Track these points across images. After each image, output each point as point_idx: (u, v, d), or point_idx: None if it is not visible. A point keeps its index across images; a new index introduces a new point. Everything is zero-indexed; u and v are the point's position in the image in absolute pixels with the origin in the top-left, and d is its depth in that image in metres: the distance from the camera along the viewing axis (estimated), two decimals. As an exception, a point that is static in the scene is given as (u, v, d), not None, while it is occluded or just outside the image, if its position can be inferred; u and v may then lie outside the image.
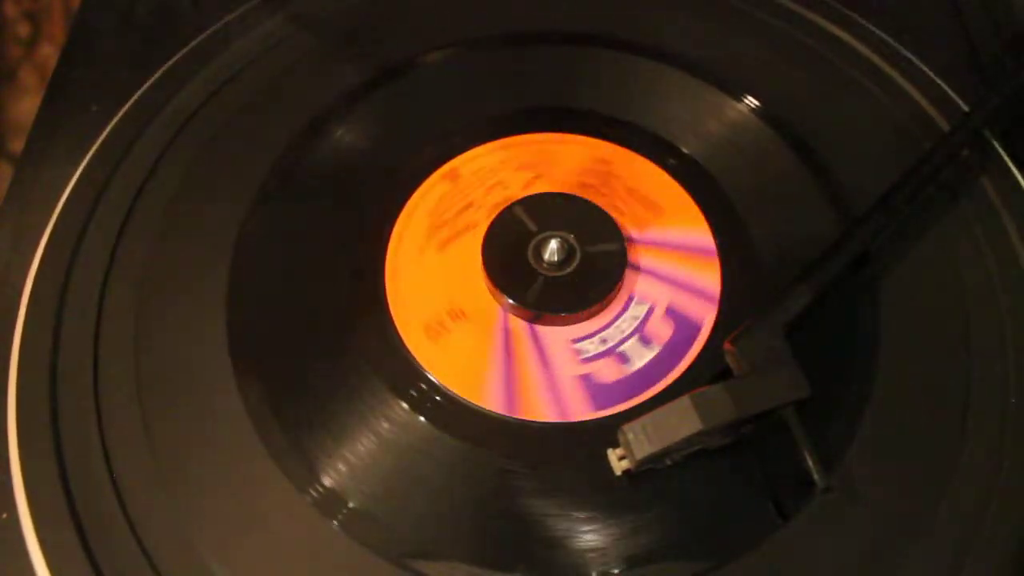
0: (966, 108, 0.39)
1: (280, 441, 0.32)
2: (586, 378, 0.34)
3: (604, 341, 0.34)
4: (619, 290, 0.35)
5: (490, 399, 0.33)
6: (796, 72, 0.41)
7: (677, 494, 0.31)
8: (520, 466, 0.32)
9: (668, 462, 0.31)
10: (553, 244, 0.35)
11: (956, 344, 0.34)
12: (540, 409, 0.33)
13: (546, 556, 0.30)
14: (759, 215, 0.37)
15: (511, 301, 0.35)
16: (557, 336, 0.35)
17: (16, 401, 0.33)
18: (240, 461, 0.32)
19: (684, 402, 0.30)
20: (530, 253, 0.35)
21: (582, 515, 0.31)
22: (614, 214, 0.36)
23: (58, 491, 0.31)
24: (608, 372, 0.34)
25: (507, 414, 0.33)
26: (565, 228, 0.36)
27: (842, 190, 0.38)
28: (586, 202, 0.37)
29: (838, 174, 0.38)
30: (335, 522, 0.31)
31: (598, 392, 0.33)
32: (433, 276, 0.36)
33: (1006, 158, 0.38)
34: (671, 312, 0.35)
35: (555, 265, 0.35)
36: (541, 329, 0.35)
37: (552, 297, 0.35)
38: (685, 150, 0.39)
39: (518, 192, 0.37)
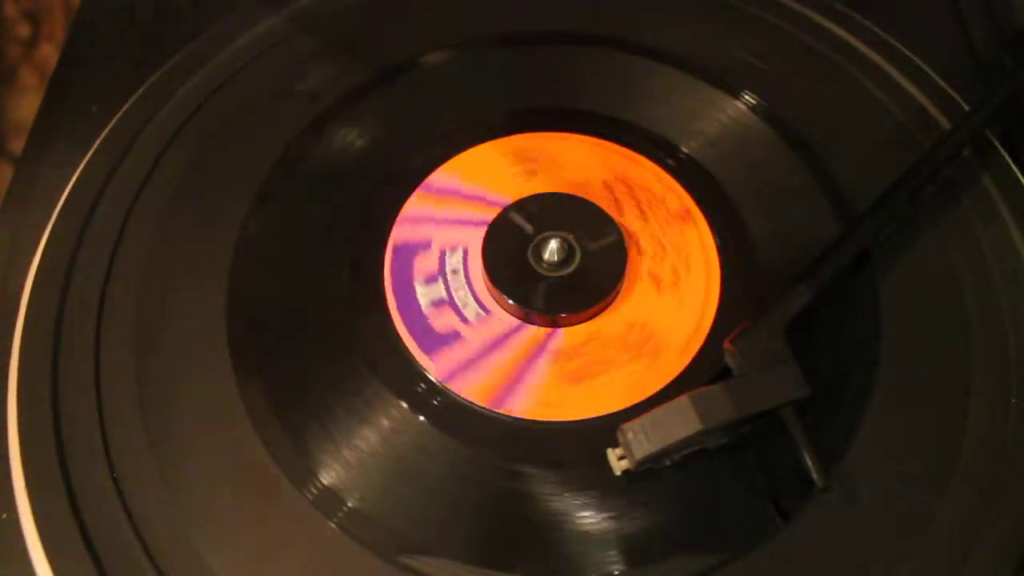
0: (966, 108, 0.39)
1: (280, 441, 0.32)
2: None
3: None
4: (620, 289, 0.35)
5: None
6: (796, 72, 0.41)
7: (677, 494, 0.31)
8: (519, 466, 0.32)
9: (667, 462, 0.31)
10: (553, 244, 0.35)
11: (956, 344, 0.34)
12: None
13: (545, 556, 0.30)
14: (759, 215, 0.37)
15: (511, 302, 0.35)
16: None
17: (17, 401, 0.33)
18: (240, 461, 0.32)
19: (684, 402, 0.30)
20: (530, 253, 0.35)
21: (581, 515, 0.31)
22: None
23: (59, 491, 0.31)
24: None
25: (507, 414, 0.33)
26: (565, 228, 0.36)
27: (842, 190, 0.38)
28: (586, 202, 0.37)
29: (838, 174, 0.38)
30: (334, 522, 0.31)
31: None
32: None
33: (1006, 157, 0.38)
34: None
35: (555, 265, 0.35)
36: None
37: (552, 297, 0.35)
38: (685, 150, 0.39)
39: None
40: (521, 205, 0.37)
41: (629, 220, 0.37)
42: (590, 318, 0.35)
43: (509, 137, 0.39)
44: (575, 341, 0.35)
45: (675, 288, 0.35)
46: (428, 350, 0.34)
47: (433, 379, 0.34)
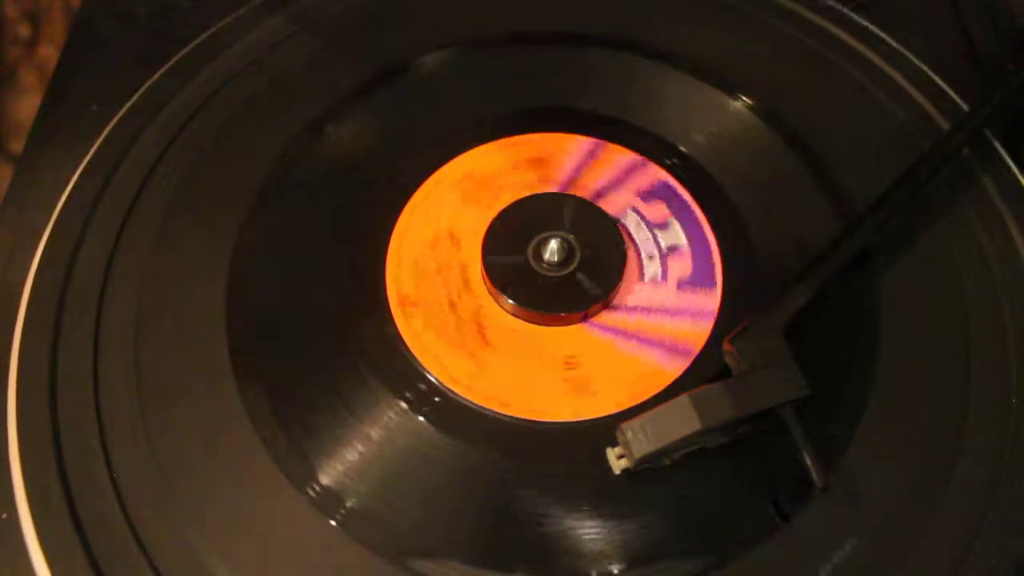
0: (966, 108, 0.39)
1: (280, 441, 0.32)
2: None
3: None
4: (619, 289, 0.35)
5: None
6: (796, 72, 0.41)
7: (676, 494, 0.31)
8: (519, 466, 0.32)
9: (667, 461, 0.31)
10: (553, 244, 0.35)
11: (956, 343, 0.34)
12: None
13: (545, 556, 0.30)
14: (759, 215, 0.37)
15: (511, 301, 0.35)
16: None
17: (16, 401, 0.33)
18: (240, 461, 0.32)
19: (683, 401, 0.30)
20: (530, 253, 0.35)
21: (581, 515, 0.31)
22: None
23: (58, 490, 0.31)
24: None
25: (507, 414, 0.33)
26: (565, 228, 0.36)
27: (842, 190, 0.38)
28: (586, 202, 0.37)
29: (838, 174, 0.38)
30: (334, 522, 0.31)
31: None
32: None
33: (1006, 158, 0.38)
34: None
35: (555, 265, 0.35)
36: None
37: (552, 297, 0.35)
38: (685, 150, 0.39)
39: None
40: (524, 202, 0.37)
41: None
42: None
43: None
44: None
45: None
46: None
47: (433, 379, 0.34)
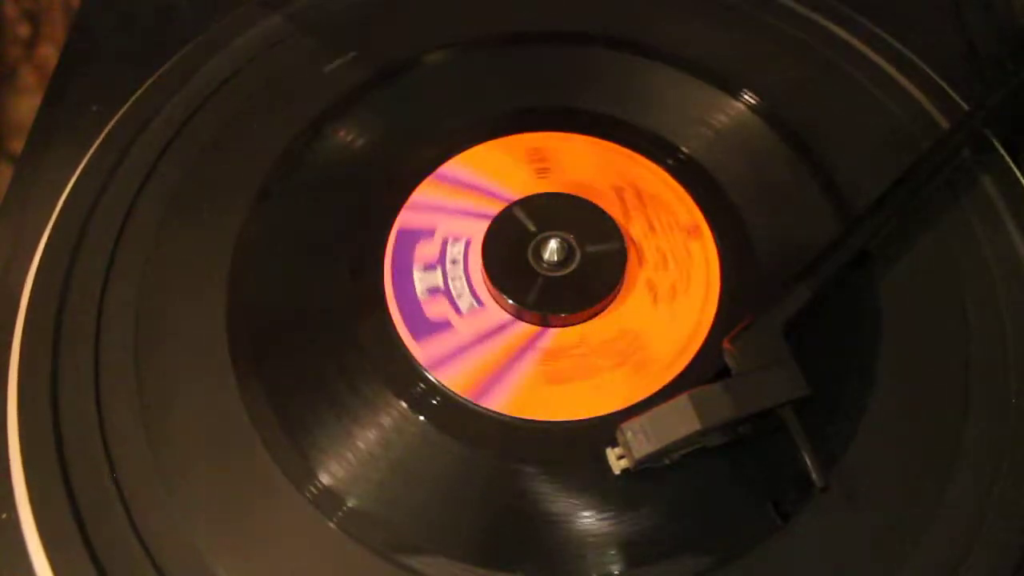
0: (966, 108, 0.39)
1: (280, 441, 0.32)
2: None
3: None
4: (620, 289, 0.35)
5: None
6: (796, 72, 0.41)
7: (676, 494, 0.31)
8: (519, 466, 0.32)
9: (667, 461, 0.31)
10: (553, 244, 0.35)
11: (956, 343, 0.34)
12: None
13: (545, 556, 0.30)
14: (759, 215, 0.37)
15: (511, 302, 0.35)
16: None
17: (17, 401, 0.33)
18: (240, 461, 0.32)
19: (683, 401, 0.30)
20: (530, 253, 0.35)
21: (581, 515, 0.31)
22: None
23: (59, 490, 0.31)
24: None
25: (507, 414, 0.33)
26: (565, 228, 0.36)
27: (842, 190, 0.38)
28: (586, 202, 0.37)
29: (838, 174, 0.38)
30: (334, 521, 0.31)
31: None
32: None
33: (1006, 158, 0.38)
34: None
35: (555, 265, 0.35)
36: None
37: (552, 297, 0.35)
38: (685, 150, 0.39)
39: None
40: (526, 202, 0.37)
41: (635, 228, 0.37)
42: (582, 321, 0.35)
43: (509, 137, 0.39)
44: (564, 342, 0.35)
45: (671, 303, 0.35)
46: (417, 336, 0.34)
47: (419, 365, 0.34)
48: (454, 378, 0.34)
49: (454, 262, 0.36)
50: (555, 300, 0.35)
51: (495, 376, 0.34)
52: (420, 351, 0.34)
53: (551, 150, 0.39)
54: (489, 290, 0.35)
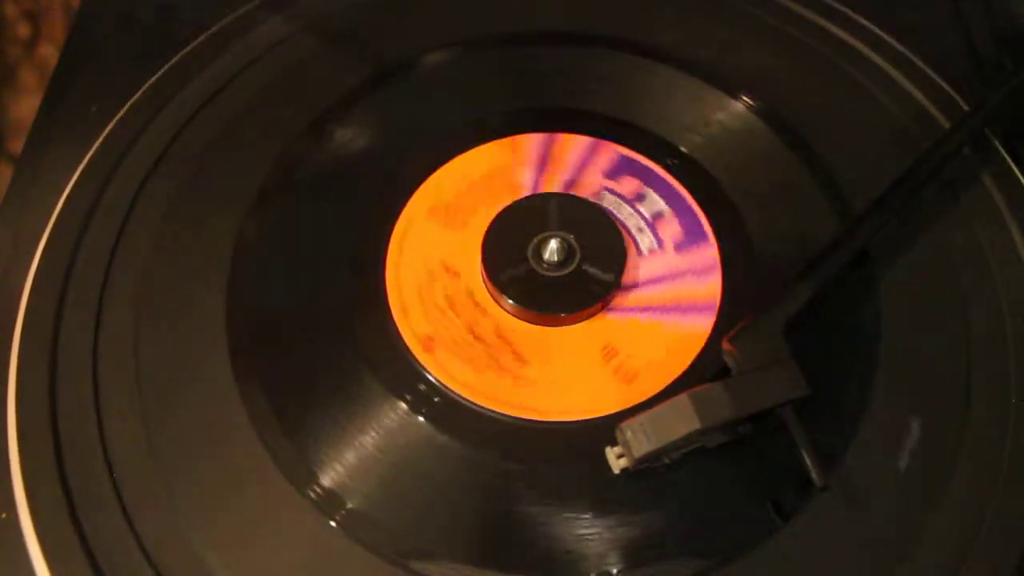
0: (966, 108, 0.39)
1: (280, 441, 0.32)
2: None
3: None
4: (619, 290, 0.35)
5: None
6: (796, 72, 0.41)
7: (676, 494, 0.31)
8: (519, 466, 0.32)
9: (666, 460, 0.31)
10: (553, 244, 0.35)
11: (956, 344, 0.34)
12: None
13: (545, 556, 0.30)
14: (759, 215, 0.37)
15: (511, 301, 0.35)
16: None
17: (16, 401, 0.33)
18: (240, 461, 0.32)
19: (682, 400, 0.29)
20: (530, 253, 0.35)
21: (581, 515, 0.31)
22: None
23: (58, 490, 0.31)
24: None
25: (507, 414, 0.33)
26: (565, 228, 0.36)
27: (842, 190, 0.38)
28: (586, 202, 0.37)
29: (838, 174, 0.38)
30: (334, 522, 0.31)
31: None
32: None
33: (1006, 157, 0.38)
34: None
35: (555, 265, 0.35)
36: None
37: (552, 297, 0.35)
38: (685, 150, 0.39)
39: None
40: (528, 201, 0.37)
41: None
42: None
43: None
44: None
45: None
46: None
47: (420, 365, 0.34)
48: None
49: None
50: (554, 300, 0.35)
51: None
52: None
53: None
54: (488, 288, 0.35)
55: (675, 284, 0.36)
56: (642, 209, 0.37)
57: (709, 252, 0.36)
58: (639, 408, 0.32)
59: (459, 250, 0.37)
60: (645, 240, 0.37)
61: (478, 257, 0.36)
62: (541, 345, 0.34)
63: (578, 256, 0.35)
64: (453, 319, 0.35)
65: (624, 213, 0.37)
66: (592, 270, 0.35)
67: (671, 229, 0.37)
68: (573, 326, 0.35)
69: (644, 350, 0.34)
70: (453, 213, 0.37)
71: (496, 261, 0.35)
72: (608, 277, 0.35)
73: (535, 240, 0.36)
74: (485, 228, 0.36)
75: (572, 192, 0.37)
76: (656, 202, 0.37)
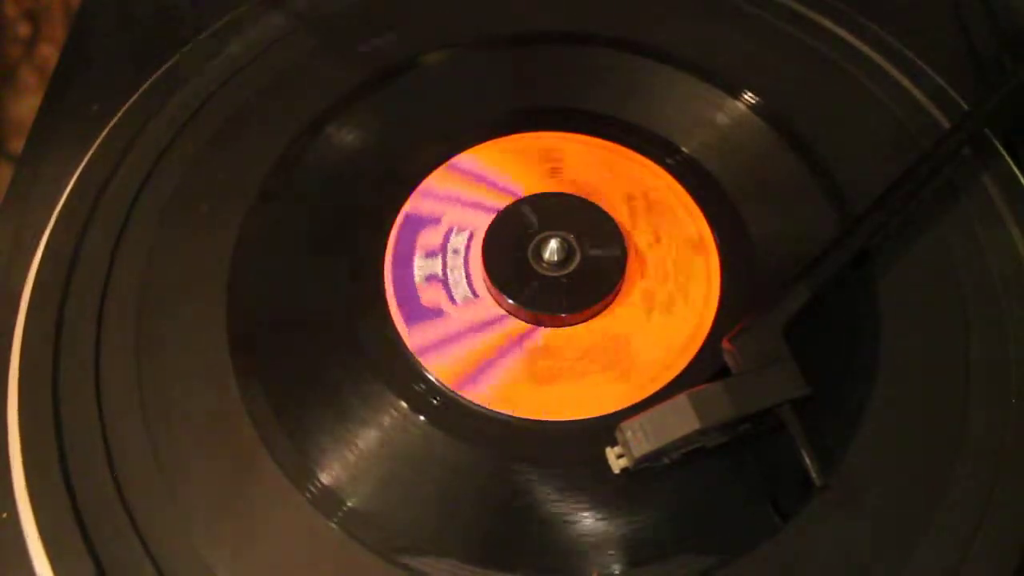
0: (966, 108, 0.39)
1: (280, 441, 0.32)
2: None
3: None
4: (619, 290, 0.35)
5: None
6: (796, 71, 0.41)
7: (676, 493, 0.31)
8: (519, 466, 0.32)
9: (666, 460, 0.31)
10: (553, 244, 0.35)
11: (956, 343, 0.34)
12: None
13: (545, 556, 0.30)
14: (759, 215, 0.37)
15: (511, 301, 0.35)
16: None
17: (17, 400, 0.33)
18: (240, 461, 0.32)
19: (682, 400, 0.30)
20: (530, 253, 0.35)
21: (581, 515, 0.31)
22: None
23: (59, 490, 0.31)
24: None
25: (507, 413, 0.33)
26: (565, 228, 0.36)
27: (842, 190, 0.37)
28: (586, 202, 0.37)
29: (838, 173, 0.38)
30: (334, 521, 0.31)
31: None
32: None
33: (1007, 157, 0.38)
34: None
35: (555, 265, 0.35)
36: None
37: (551, 297, 0.35)
38: (685, 150, 0.39)
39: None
40: (530, 200, 0.37)
41: (640, 237, 0.37)
42: (579, 322, 0.35)
43: (509, 137, 0.39)
44: (557, 342, 0.35)
45: (668, 314, 0.35)
46: (408, 320, 0.35)
47: (420, 365, 0.34)
48: (434, 360, 0.34)
49: (455, 252, 0.36)
50: (553, 300, 0.35)
51: (480, 368, 0.34)
52: (408, 336, 0.34)
53: (561, 151, 0.39)
54: (487, 286, 0.35)
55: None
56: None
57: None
58: (639, 408, 0.32)
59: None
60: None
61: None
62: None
63: (578, 256, 0.35)
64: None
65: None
66: (598, 251, 0.35)
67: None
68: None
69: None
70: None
71: (496, 260, 0.35)
72: (606, 279, 0.35)
73: (535, 240, 0.36)
74: (485, 227, 0.36)
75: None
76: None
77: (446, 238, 0.37)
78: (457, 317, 0.35)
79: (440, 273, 0.36)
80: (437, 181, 0.38)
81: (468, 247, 0.36)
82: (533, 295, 0.35)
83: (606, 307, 0.35)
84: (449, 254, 0.36)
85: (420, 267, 0.36)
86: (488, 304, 0.35)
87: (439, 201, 0.37)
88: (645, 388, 0.33)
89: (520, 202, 0.37)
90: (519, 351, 0.34)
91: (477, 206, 0.37)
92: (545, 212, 0.36)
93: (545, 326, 0.35)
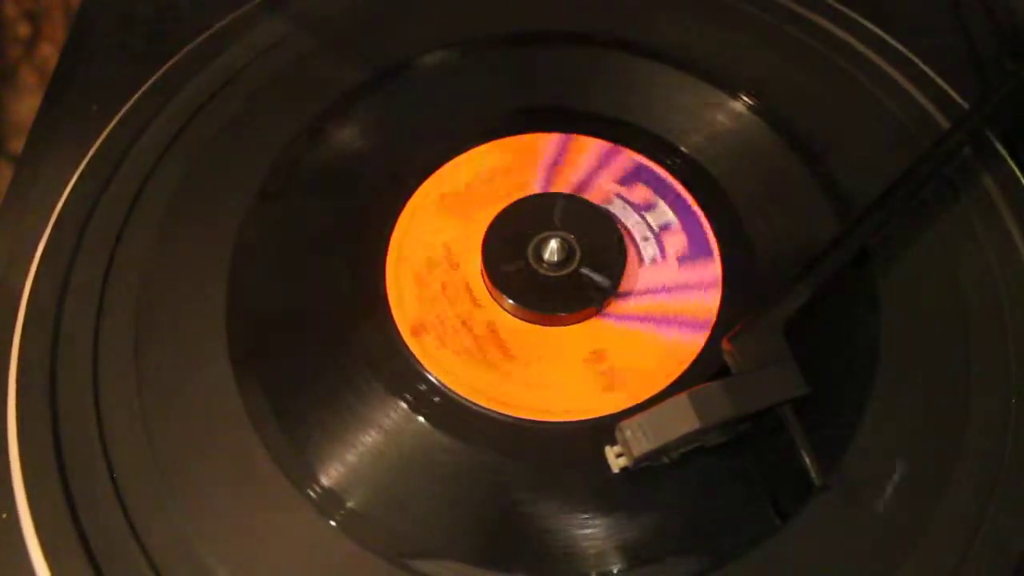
0: (966, 108, 0.39)
1: (280, 441, 0.32)
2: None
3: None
4: (616, 295, 0.35)
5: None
6: (796, 72, 0.41)
7: (675, 493, 0.31)
8: (519, 466, 0.32)
9: (666, 460, 0.31)
10: (553, 244, 0.35)
11: (956, 343, 0.34)
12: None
13: (545, 556, 0.30)
14: (759, 215, 0.37)
15: (511, 301, 0.35)
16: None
17: (16, 401, 0.33)
18: (240, 461, 0.32)
19: (682, 399, 0.29)
20: (530, 253, 0.35)
21: (581, 515, 0.31)
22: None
23: (58, 490, 0.31)
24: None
25: (507, 413, 0.33)
26: (565, 228, 0.36)
27: (842, 190, 0.37)
28: (586, 202, 0.37)
29: (838, 174, 0.38)
30: (334, 522, 0.31)
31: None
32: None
33: (1006, 157, 0.38)
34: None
35: (555, 265, 0.35)
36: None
37: (551, 297, 0.35)
38: (685, 150, 0.39)
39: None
40: (528, 201, 0.37)
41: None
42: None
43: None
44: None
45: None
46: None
47: (420, 365, 0.34)
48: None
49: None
50: (550, 300, 0.35)
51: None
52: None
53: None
54: (486, 283, 0.35)
55: (674, 296, 0.35)
56: (650, 219, 0.37)
57: (712, 269, 0.36)
58: (639, 408, 0.32)
59: (459, 249, 0.36)
60: (649, 249, 0.36)
61: (478, 254, 0.36)
62: (531, 343, 0.34)
63: (578, 257, 0.35)
64: (446, 307, 0.35)
65: (631, 220, 0.37)
66: (590, 272, 0.35)
67: (676, 241, 0.37)
68: (566, 327, 0.35)
69: (633, 359, 0.34)
70: (453, 212, 0.37)
71: (496, 258, 0.35)
72: (606, 282, 0.35)
73: (535, 239, 0.36)
74: (485, 227, 0.36)
75: (578, 194, 0.37)
76: (664, 213, 0.37)
77: None
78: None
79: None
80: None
81: None
82: (533, 295, 0.35)
83: (609, 303, 0.35)
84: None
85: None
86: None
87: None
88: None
89: (513, 205, 0.37)
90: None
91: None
92: (546, 212, 0.36)
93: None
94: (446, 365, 0.34)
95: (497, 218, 0.36)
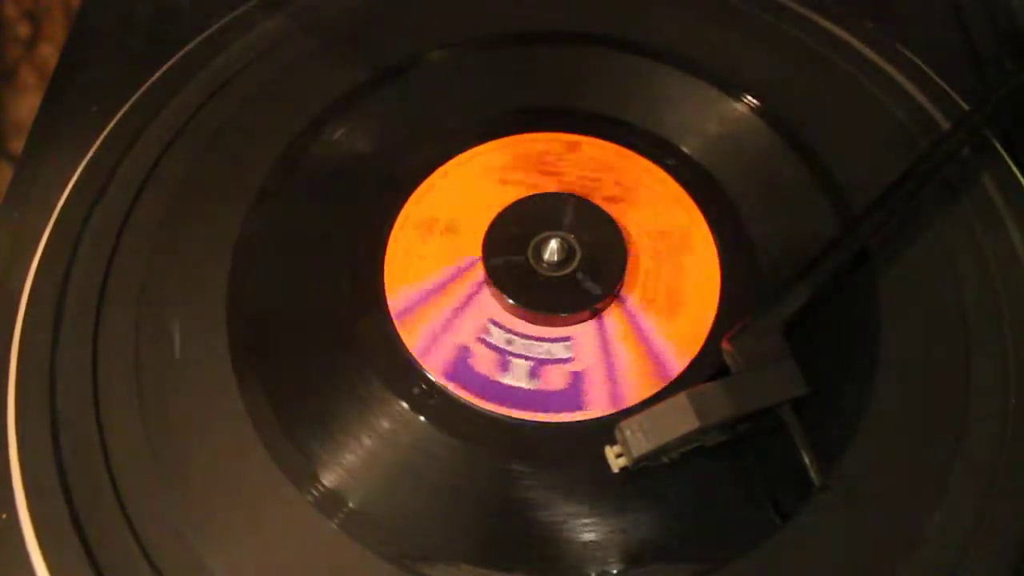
0: (966, 108, 0.39)
1: (280, 441, 0.32)
2: (463, 350, 0.34)
3: (509, 342, 0.34)
4: (618, 291, 0.35)
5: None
6: (796, 72, 0.41)
7: (675, 493, 0.31)
8: (519, 466, 0.32)
9: (665, 460, 0.31)
10: (553, 244, 0.35)
11: (956, 343, 0.34)
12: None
13: (545, 556, 0.30)
14: (759, 215, 0.37)
15: (511, 301, 0.35)
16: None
17: (16, 401, 0.33)
18: (240, 461, 0.32)
19: (681, 399, 0.29)
20: (530, 253, 0.35)
21: (581, 515, 0.31)
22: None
23: (57, 491, 0.31)
24: (483, 364, 0.34)
25: (507, 414, 0.33)
26: (565, 228, 0.36)
27: (842, 190, 0.37)
28: (586, 202, 0.37)
29: (838, 174, 0.38)
30: (335, 522, 0.31)
31: (461, 371, 0.34)
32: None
33: (1006, 157, 0.38)
34: (579, 378, 0.34)
35: (555, 265, 0.35)
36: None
37: (551, 297, 0.35)
38: (685, 150, 0.39)
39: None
40: (527, 201, 0.37)
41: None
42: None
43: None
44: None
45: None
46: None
47: (420, 365, 0.34)
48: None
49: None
50: (553, 299, 0.35)
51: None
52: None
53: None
54: (489, 288, 0.35)
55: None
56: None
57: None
58: (638, 408, 0.32)
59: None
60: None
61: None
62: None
63: (578, 258, 0.35)
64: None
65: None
66: (590, 273, 0.35)
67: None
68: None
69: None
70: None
71: (495, 257, 0.35)
72: (605, 284, 0.35)
73: (536, 239, 0.36)
74: (485, 227, 0.36)
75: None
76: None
77: None
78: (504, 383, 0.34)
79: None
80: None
81: None
82: (533, 295, 0.35)
83: (611, 303, 0.35)
84: None
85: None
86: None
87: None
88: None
89: (513, 205, 0.37)
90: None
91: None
92: (541, 213, 0.36)
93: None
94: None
95: (497, 218, 0.36)
